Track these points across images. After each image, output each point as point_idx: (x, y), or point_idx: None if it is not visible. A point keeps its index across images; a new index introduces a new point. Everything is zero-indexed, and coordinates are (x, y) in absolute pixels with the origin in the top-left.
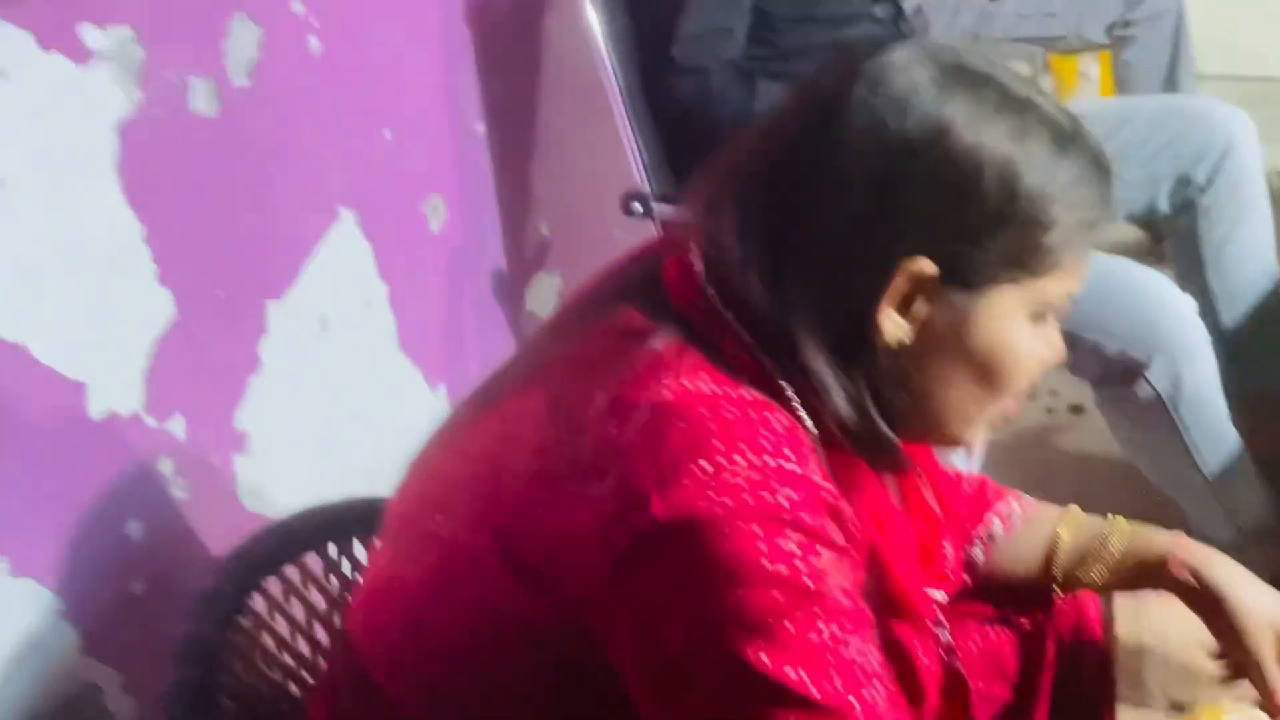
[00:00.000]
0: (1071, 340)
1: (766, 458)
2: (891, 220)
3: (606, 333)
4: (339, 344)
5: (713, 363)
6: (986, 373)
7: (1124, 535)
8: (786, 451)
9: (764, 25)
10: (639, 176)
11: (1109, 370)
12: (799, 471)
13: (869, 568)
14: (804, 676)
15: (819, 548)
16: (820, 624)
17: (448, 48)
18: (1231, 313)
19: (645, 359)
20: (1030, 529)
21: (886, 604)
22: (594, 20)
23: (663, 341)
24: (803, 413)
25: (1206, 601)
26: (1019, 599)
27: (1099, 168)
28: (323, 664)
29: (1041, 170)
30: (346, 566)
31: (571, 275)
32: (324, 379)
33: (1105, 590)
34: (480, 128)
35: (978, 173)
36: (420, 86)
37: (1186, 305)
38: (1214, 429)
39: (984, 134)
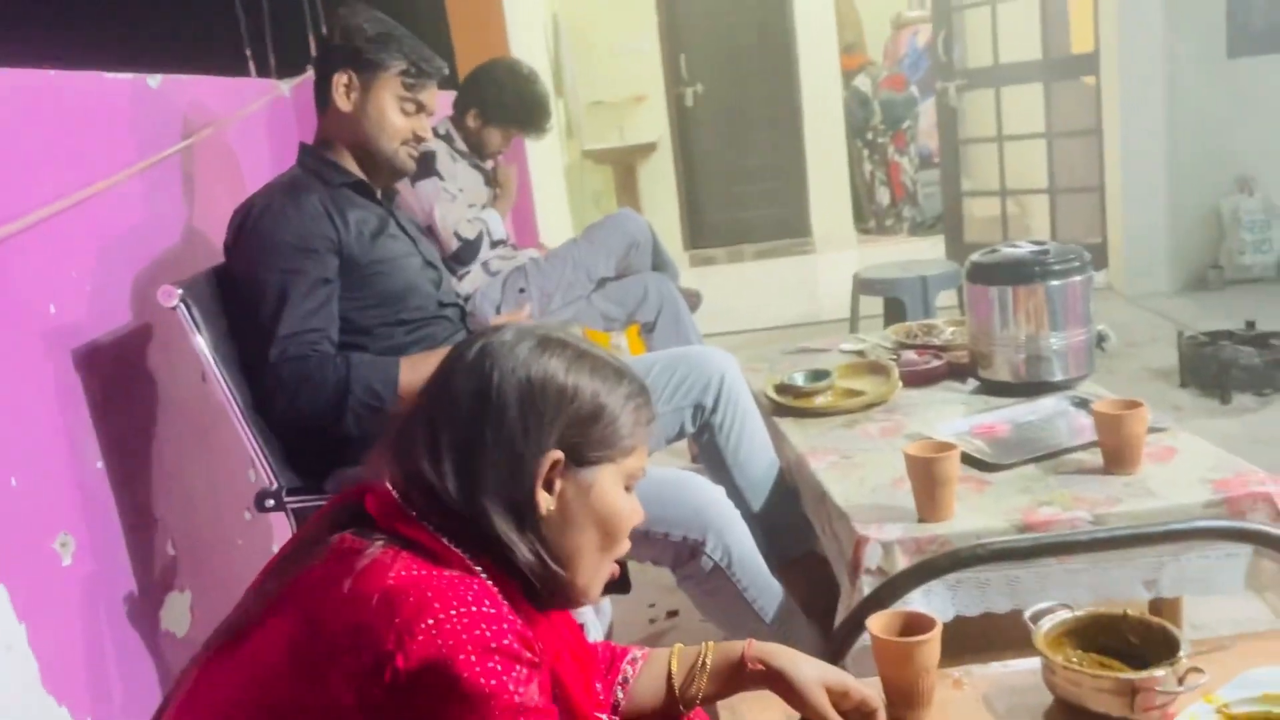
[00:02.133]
0: (647, 536)
1: (472, 608)
2: (533, 432)
3: (329, 557)
4: None
5: (421, 558)
6: (604, 528)
7: (713, 651)
8: (486, 603)
9: (353, 329)
10: (266, 477)
11: (678, 553)
12: (496, 613)
13: (553, 690)
14: None
15: (517, 665)
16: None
17: (61, 394)
18: (755, 499)
19: (368, 563)
20: (651, 668)
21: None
22: (203, 346)
23: (379, 550)
24: (490, 583)
25: (776, 680)
26: None
27: (642, 389)
28: None
29: (611, 393)
30: None
31: (200, 589)
32: None
33: (712, 700)
34: (100, 464)
35: (577, 397)
36: (39, 433)
37: (720, 492)
38: (763, 584)
39: (573, 375)
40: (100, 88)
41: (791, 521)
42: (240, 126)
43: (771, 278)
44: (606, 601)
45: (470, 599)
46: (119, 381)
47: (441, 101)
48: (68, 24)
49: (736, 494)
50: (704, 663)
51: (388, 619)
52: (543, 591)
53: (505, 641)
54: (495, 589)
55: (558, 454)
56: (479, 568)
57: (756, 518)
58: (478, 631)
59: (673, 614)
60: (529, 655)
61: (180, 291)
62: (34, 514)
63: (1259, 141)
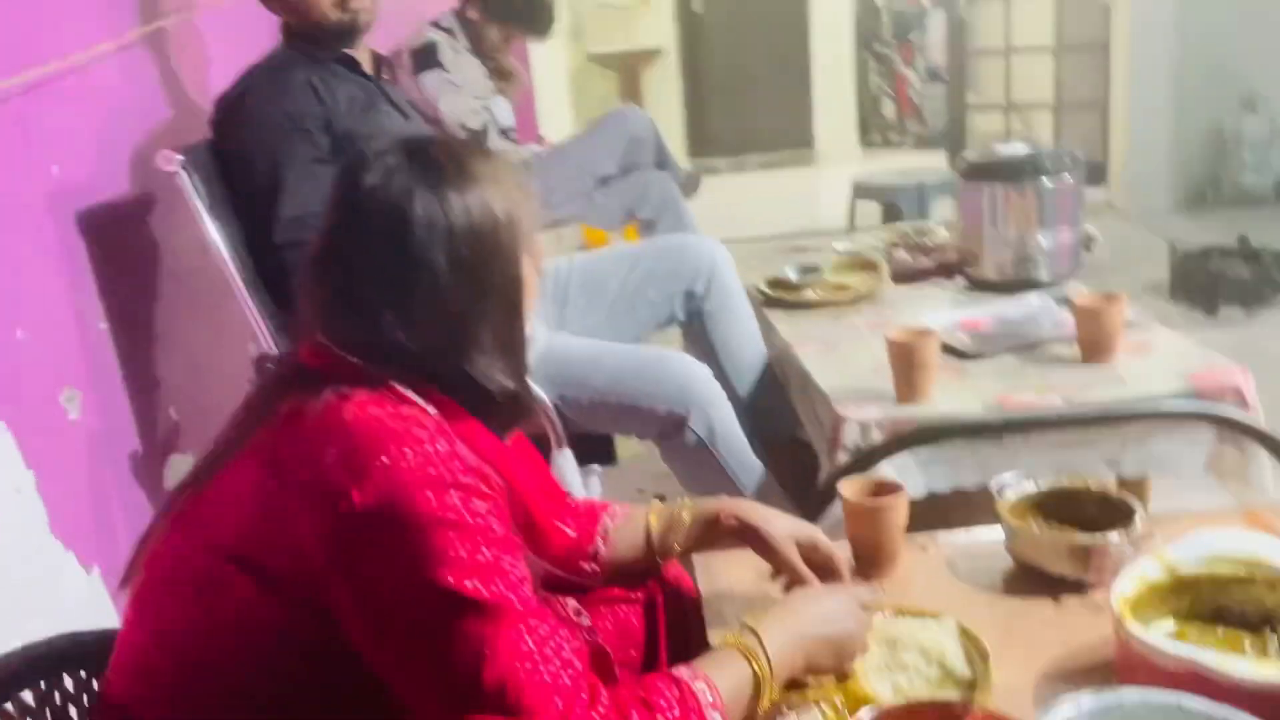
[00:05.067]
0: (632, 411)
1: (425, 447)
2: (509, 263)
3: (286, 409)
4: None
5: (372, 396)
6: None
7: (689, 507)
8: (440, 442)
9: None
10: (266, 342)
11: (663, 427)
12: (449, 450)
13: (512, 506)
14: (478, 585)
15: (474, 499)
16: (483, 548)
17: (65, 254)
18: (741, 385)
19: (322, 406)
20: (630, 522)
21: (529, 535)
22: (203, 213)
23: (330, 394)
24: (442, 419)
25: (748, 534)
26: (634, 578)
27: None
28: None
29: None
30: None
31: (202, 453)
32: None
33: (688, 554)
34: (104, 325)
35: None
36: (44, 290)
37: (705, 370)
38: (744, 460)
39: (498, 198)
40: None
41: (777, 409)
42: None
43: (773, 188)
44: (595, 480)
45: (425, 438)
46: (122, 247)
47: None
48: None
49: (724, 380)
50: (680, 517)
51: (344, 458)
52: (505, 412)
53: (461, 478)
54: (447, 426)
55: (528, 269)
56: (429, 405)
57: (743, 404)
58: (432, 470)
59: (659, 498)
60: (486, 489)
61: (181, 157)
62: (40, 367)
63: (1267, 60)
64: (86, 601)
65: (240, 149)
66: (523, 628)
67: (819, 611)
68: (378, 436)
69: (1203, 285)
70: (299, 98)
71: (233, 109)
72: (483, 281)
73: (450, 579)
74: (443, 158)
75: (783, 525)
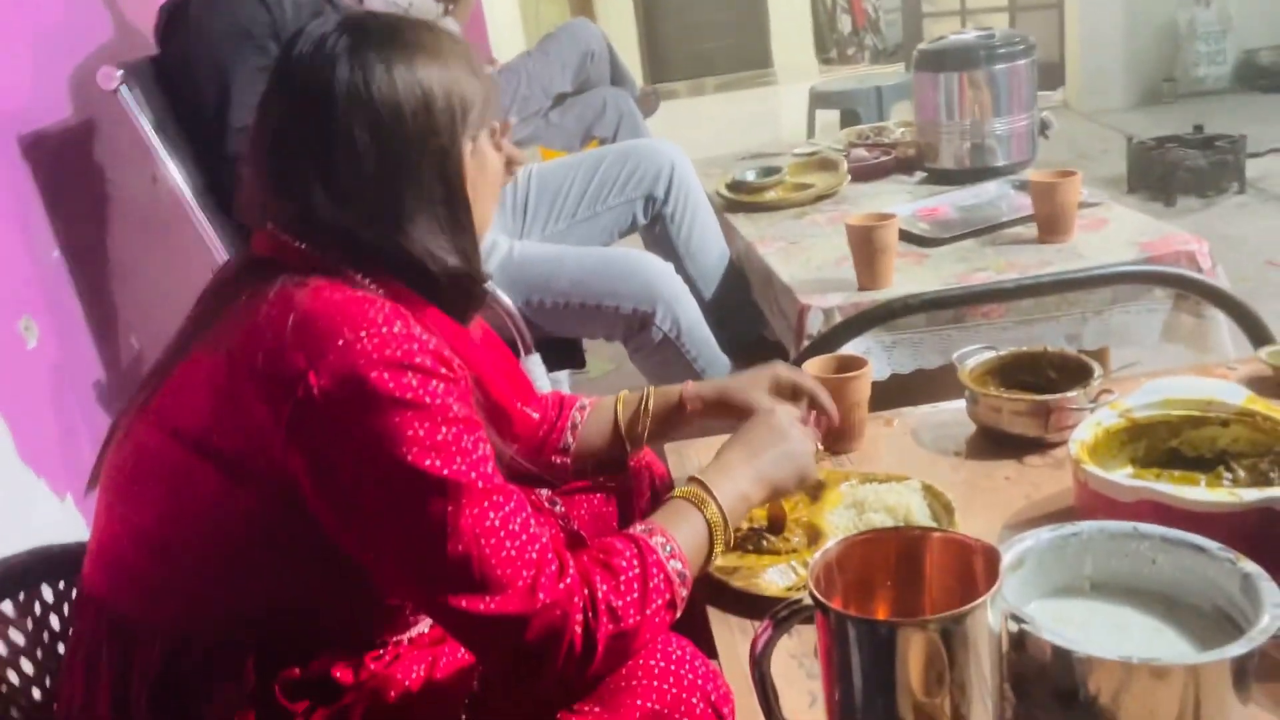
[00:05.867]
0: (597, 311)
1: (381, 329)
2: (444, 139)
3: (242, 299)
4: None
5: (326, 282)
6: (494, 193)
7: (653, 394)
8: (397, 324)
9: None
10: (221, 259)
11: (629, 325)
12: (406, 333)
13: (475, 389)
14: (436, 463)
15: (432, 381)
16: (442, 428)
17: (12, 183)
18: (706, 287)
19: (278, 292)
20: (598, 413)
21: (493, 419)
22: (152, 134)
23: (284, 281)
24: (398, 304)
25: (717, 405)
26: (606, 467)
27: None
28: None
29: (475, 65)
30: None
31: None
32: None
33: (656, 440)
34: (57, 254)
35: (453, 88)
36: None
37: (668, 267)
38: (711, 355)
39: (436, 70)
40: None
41: (741, 310)
42: None
43: (732, 109)
44: (564, 389)
45: (380, 320)
46: (69, 173)
47: None
48: None
49: (688, 283)
50: (646, 405)
51: (300, 340)
52: (457, 294)
53: (417, 360)
54: (404, 309)
55: (469, 144)
56: (381, 290)
57: (708, 306)
58: (388, 351)
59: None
60: (444, 371)
61: (121, 73)
62: None
63: None
64: (61, 527)
65: (186, 59)
66: (486, 504)
67: (758, 437)
68: (333, 320)
69: (1160, 176)
70: (246, 4)
71: (177, 18)
72: (409, 156)
73: (409, 458)
74: (376, 29)
75: (742, 380)
